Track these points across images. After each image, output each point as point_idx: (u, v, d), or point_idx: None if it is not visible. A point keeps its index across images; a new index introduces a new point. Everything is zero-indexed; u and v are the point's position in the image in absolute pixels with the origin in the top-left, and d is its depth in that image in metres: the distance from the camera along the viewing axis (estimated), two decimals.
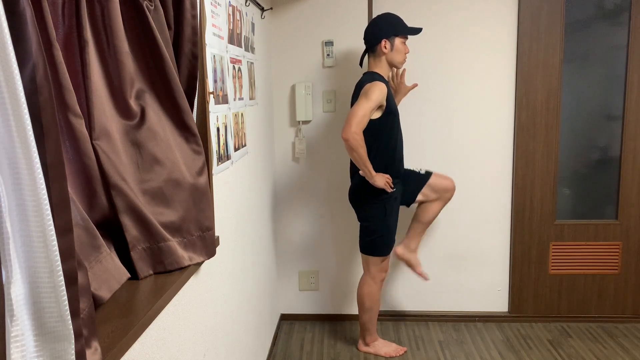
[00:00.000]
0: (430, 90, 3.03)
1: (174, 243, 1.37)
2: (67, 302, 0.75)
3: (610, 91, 3.00)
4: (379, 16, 2.54)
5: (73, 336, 0.76)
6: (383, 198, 2.55)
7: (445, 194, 2.73)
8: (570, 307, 3.14)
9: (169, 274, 1.34)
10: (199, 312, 1.60)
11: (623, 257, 3.08)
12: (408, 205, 2.75)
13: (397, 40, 2.51)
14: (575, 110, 3.03)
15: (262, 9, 2.74)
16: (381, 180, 2.47)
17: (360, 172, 2.49)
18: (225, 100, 1.93)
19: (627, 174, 3.02)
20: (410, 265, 2.83)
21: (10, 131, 0.67)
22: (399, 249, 2.81)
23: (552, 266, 3.11)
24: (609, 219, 3.08)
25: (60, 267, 0.74)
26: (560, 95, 2.97)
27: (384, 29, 2.49)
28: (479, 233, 3.13)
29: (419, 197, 2.72)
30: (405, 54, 2.55)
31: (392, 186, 2.53)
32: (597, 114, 3.02)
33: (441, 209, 2.76)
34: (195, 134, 1.44)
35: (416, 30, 2.52)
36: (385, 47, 2.50)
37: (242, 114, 2.22)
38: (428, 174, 2.72)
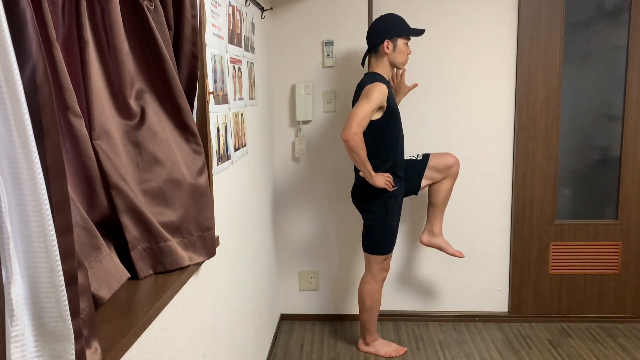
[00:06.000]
0: (430, 90, 3.03)
1: (174, 243, 1.37)
2: (67, 302, 0.75)
3: (610, 91, 2.99)
4: (382, 16, 2.54)
5: (73, 336, 0.76)
6: (384, 196, 2.56)
7: (450, 170, 2.72)
8: (570, 307, 3.14)
9: (169, 274, 1.34)
10: (199, 312, 1.60)
11: (623, 257, 3.08)
12: (416, 193, 2.75)
13: (400, 41, 2.51)
14: (575, 110, 3.03)
15: (262, 9, 2.74)
16: (381, 180, 2.47)
17: (360, 173, 2.49)
18: (225, 100, 1.93)
19: (627, 174, 3.02)
20: (440, 248, 2.81)
21: (10, 131, 0.67)
22: (423, 237, 2.81)
23: (552, 266, 3.11)
24: (609, 219, 3.08)
25: (60, 267, 0.74)
26: (560, 95, 2.97)
27: (387, 30, 2.49)
28: (479, 233, 3.13)
29: (424, 182, 2.73)
30: (407, 55, 2.55)
31: (393, 185, 2.53)
32: (597, 114, 3.02)
33: (452, 185, 2.75)
34: (195, 134, 1.44)
35: (419, 32, 2.51)
36: (387, 48, 2.50)
37: (242, 114, 2.22)
38: (426, 157, 2.73)
